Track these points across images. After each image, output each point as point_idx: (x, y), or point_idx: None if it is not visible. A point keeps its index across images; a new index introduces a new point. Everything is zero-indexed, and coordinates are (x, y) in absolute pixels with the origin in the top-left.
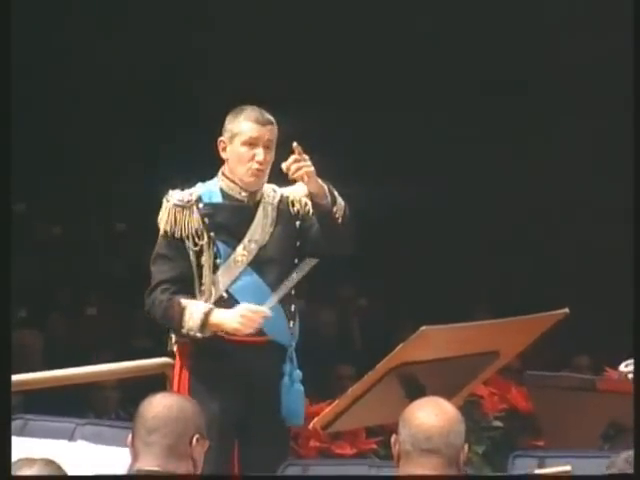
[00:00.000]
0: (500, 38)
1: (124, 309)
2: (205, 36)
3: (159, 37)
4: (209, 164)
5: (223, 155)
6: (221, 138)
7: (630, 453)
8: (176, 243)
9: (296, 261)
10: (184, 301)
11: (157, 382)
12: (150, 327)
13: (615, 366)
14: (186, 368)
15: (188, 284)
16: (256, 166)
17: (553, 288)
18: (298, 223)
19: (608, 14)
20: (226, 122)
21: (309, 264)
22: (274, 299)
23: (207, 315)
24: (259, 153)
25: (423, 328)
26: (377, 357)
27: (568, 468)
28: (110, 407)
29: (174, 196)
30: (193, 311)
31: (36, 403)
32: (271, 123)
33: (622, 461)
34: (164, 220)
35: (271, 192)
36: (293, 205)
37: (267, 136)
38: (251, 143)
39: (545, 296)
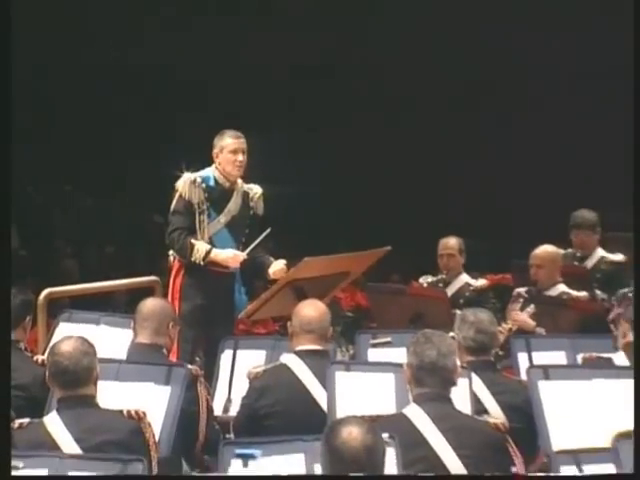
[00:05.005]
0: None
1: (129, 249)
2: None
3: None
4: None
5: (216, 159)
6: (215, 150)
7: (424, 331)
8: (188, 205)
9: (247, 231)
10: (193, 241)
11: (148, 291)
12: (143, 260)
13: (417, 278)
14: (180, 277)
15: (192, 231)
16: (238, 164)
17: (381, 229)
18: (252, 204)
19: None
20: (215, 141)
21: (265, 232)
22: (246, 251)
23: (208, 252)
24: (239, 157)
25: (306, 259)
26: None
27: (389, 339)
28: (121, 305)
29: (190, 177)
30: (199, 248)
31: (76, 304)
32: (242, 137)
33: (421, 334)
34: (183, 190)
35: (240, 184)
36: (249, 196)
37: (242, 146)
38: (234, 151)
39: (381, 235)
